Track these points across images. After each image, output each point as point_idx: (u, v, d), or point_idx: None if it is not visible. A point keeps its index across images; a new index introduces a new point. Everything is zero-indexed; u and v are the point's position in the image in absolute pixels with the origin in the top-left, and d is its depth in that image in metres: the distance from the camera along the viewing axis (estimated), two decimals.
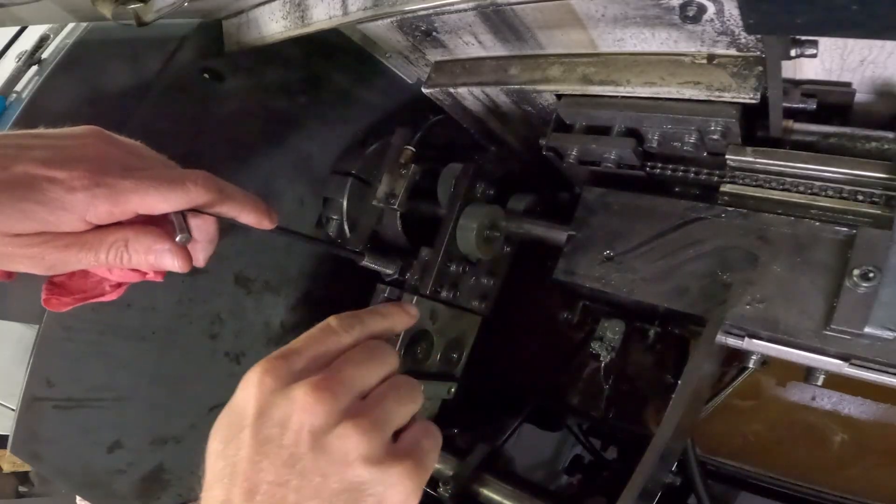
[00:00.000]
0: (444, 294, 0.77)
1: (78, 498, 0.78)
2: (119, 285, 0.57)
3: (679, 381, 0.57)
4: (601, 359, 0.87)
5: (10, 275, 0.50)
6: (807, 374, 0.60)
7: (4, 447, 0.68)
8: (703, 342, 0.57)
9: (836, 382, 0.79)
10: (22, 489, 1.04)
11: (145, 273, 0.55)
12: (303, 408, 0.41)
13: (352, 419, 0.41)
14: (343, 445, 0.41)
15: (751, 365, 0.65)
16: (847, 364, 0.54)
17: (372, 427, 0.42)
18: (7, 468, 1.04)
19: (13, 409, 0.68)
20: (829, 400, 0.82)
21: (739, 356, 0.66)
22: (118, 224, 0.48)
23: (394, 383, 0.45)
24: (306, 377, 0.42)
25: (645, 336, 0.87)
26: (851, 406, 0.79)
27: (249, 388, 0.43)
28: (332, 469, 0.40)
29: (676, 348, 0.84)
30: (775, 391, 0.84)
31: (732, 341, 0.59)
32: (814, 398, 0.82)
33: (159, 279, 0.56)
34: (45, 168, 0.45)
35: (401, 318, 0.52)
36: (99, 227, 0.48)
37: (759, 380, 0.85)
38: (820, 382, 0.60)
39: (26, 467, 1.02)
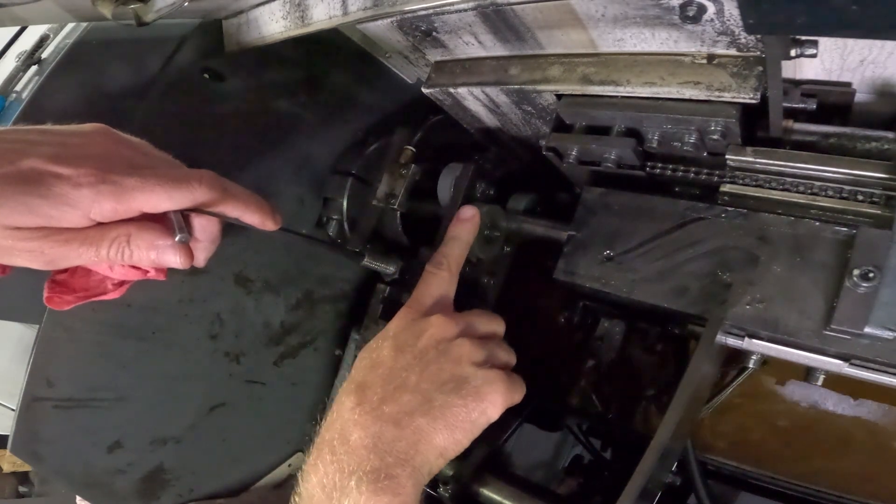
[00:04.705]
0: None
1: (78, 498, 0.77)
2: (121, 284, 0.57)
3: (679, 381, 0.57)
4: (601, 359, 0.87)
5: (4, 270, 0.50)
6: (807, 374, 0.60)
7: (4, 447, 0.68)
8: (703, 342, 0.57)
9: (837, 382, 0.79)
10: (22, 489, 1.04)
11: (147, 271, 0.55)
12: (437, 325, 0.58)
13: (468, 337, 0.59)
14: (459, 350, 0.57)
15: (751, 365, 0.65)
16: (847, 364, 0.54)
17: (480, 344, 0.59)
18: (7, 468, 1.04)
19: (13, 409, 0.68)
20: (831, 400, 0.81)
21: (739, 356, 0.66)
22: (121, 220, 0.48)
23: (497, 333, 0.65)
24: (433, 313, 0.60)
25: (645, 336, 0.86)
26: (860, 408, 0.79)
27: (394, 321, 0.61)
28: (447, 365, 0.56)
29: (676, 348, 0.84)
30: (777, 391, 0.84)
31: (732, 341, 0.59)
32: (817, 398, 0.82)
33: (161, 277, 0.56)
34: (52, 164, 0.45)
35: (468, 231, 0.69)
36: (101, 223, 0.48)
37: (760, 379, 0.85)
38: (820, 382, 0.60)
39: (26, 467, 1.02)
